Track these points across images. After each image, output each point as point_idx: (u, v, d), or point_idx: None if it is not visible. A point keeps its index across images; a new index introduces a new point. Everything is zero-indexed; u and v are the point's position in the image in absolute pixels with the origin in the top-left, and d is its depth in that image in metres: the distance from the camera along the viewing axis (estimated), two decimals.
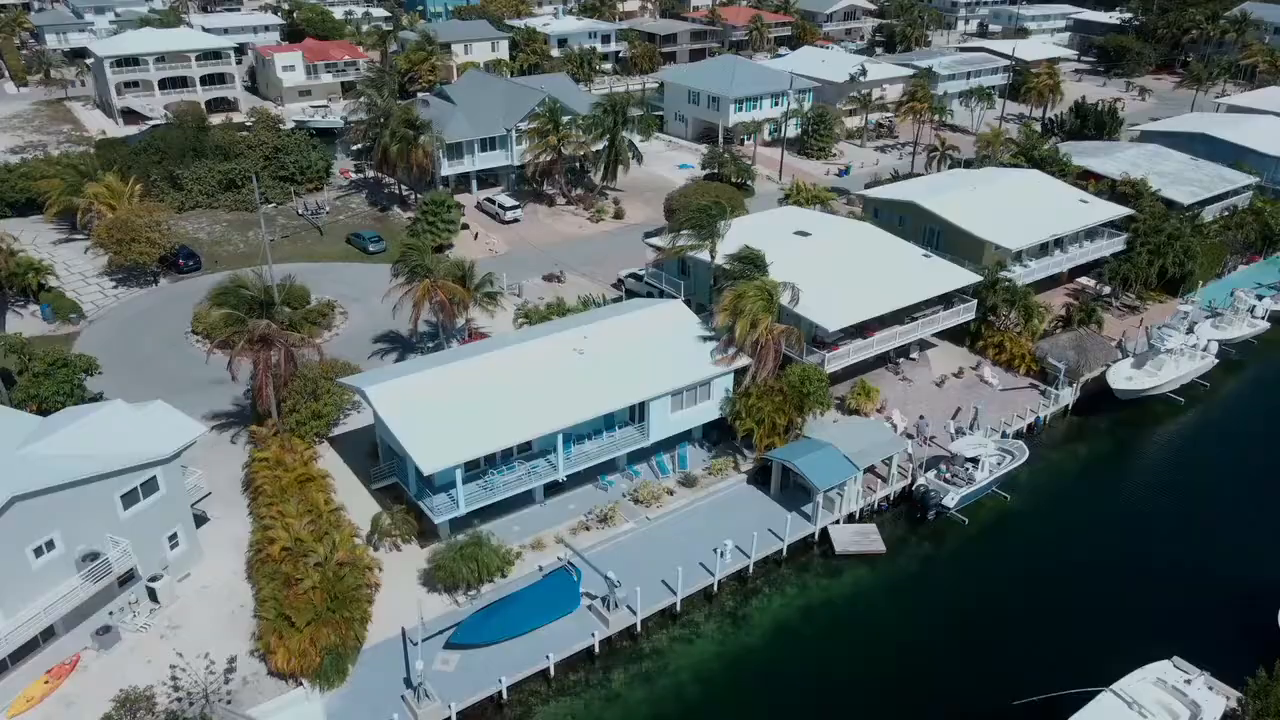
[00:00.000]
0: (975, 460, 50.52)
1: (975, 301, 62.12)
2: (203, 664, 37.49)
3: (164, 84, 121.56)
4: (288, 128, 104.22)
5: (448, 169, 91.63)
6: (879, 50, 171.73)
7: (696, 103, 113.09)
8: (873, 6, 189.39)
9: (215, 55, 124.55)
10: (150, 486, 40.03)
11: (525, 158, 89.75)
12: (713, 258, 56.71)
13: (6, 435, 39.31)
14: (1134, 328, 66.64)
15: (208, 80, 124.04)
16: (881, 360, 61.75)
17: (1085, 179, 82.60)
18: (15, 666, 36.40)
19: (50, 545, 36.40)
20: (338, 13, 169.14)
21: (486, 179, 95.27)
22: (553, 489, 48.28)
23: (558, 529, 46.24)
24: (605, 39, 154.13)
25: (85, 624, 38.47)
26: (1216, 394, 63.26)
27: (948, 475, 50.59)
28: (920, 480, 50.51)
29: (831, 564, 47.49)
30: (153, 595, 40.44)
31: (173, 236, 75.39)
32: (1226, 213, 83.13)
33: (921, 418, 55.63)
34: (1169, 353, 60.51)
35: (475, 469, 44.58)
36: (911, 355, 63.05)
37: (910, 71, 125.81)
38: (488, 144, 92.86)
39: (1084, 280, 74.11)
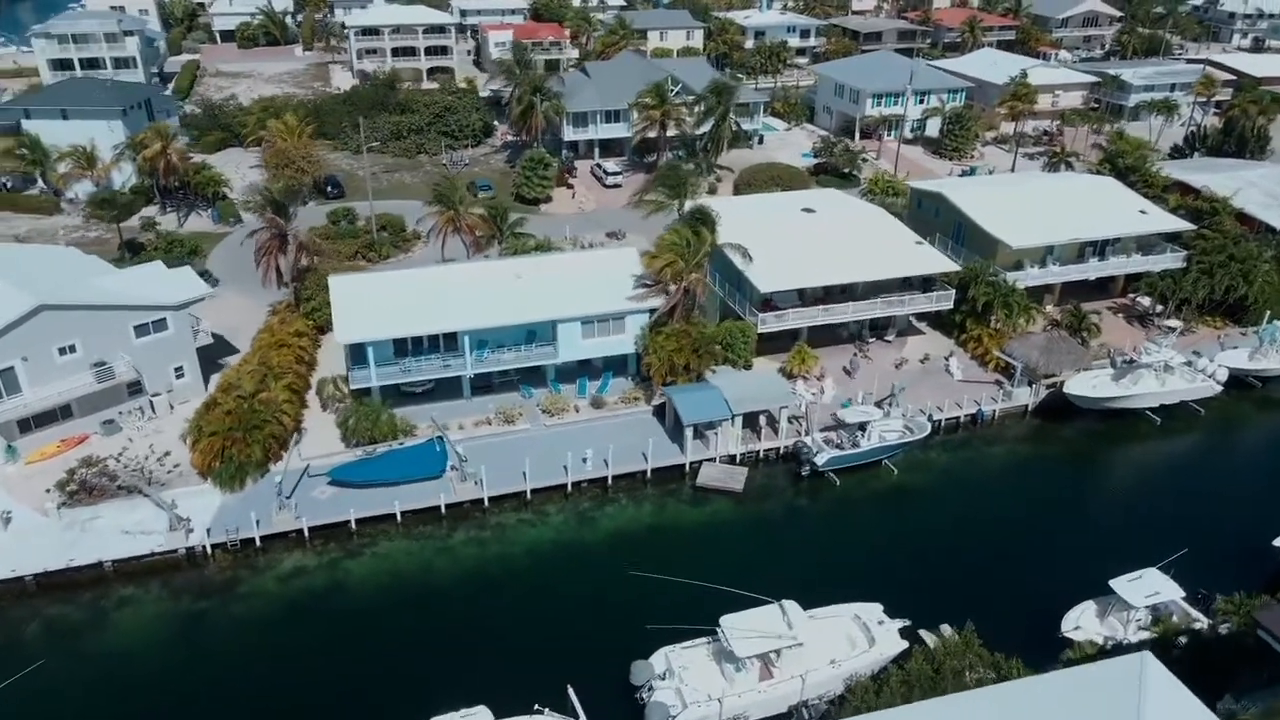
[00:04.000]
0: (863, 427, 52.51)
1: (952, 291, 62.24)
2: (156, 454, 50.29)
3: (395, 52, 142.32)
4: (485, 94, 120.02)
5: (572, 134, 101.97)
6: (1114, 59, 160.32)
7: (841, 96, 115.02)
8: (1117, 13, 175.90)
9: (440, 30, 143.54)
10: (160, 325, 53.56)
11: (631, 130, 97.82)
12: (679, 213, 62.05)
13: (87, 271, 54.60)
14: (1141, 342, 62.98)
15: (431, 51, 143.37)
16: (855, 338, 63.88)
17: (1185, 194, 76.84)
18: (39, 430, 51.08)
19: (72, 349, 50.66)
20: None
21: (612, 147, 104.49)
22: (484, 389, 56.86)
23: (465, 419, 54.70)
24: (805, 34, 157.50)
25: (97, 415, 52.60)
26: (1204, 422, 58.70)
27: (833, 439, 52.98)
28: (803, 438, 53.33)
29: (695, 495, 52.06)
30: (152, 406, 54.03)
31: (324, 167, 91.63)
32: None
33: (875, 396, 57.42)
34: (1150, 368, 57.36)
35: (403, 354, 54.11)
36: (887, 337, 64.41)
37: (1092, 79, 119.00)
38: (611, 116, 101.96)
39: (1136, 294, 70.03)
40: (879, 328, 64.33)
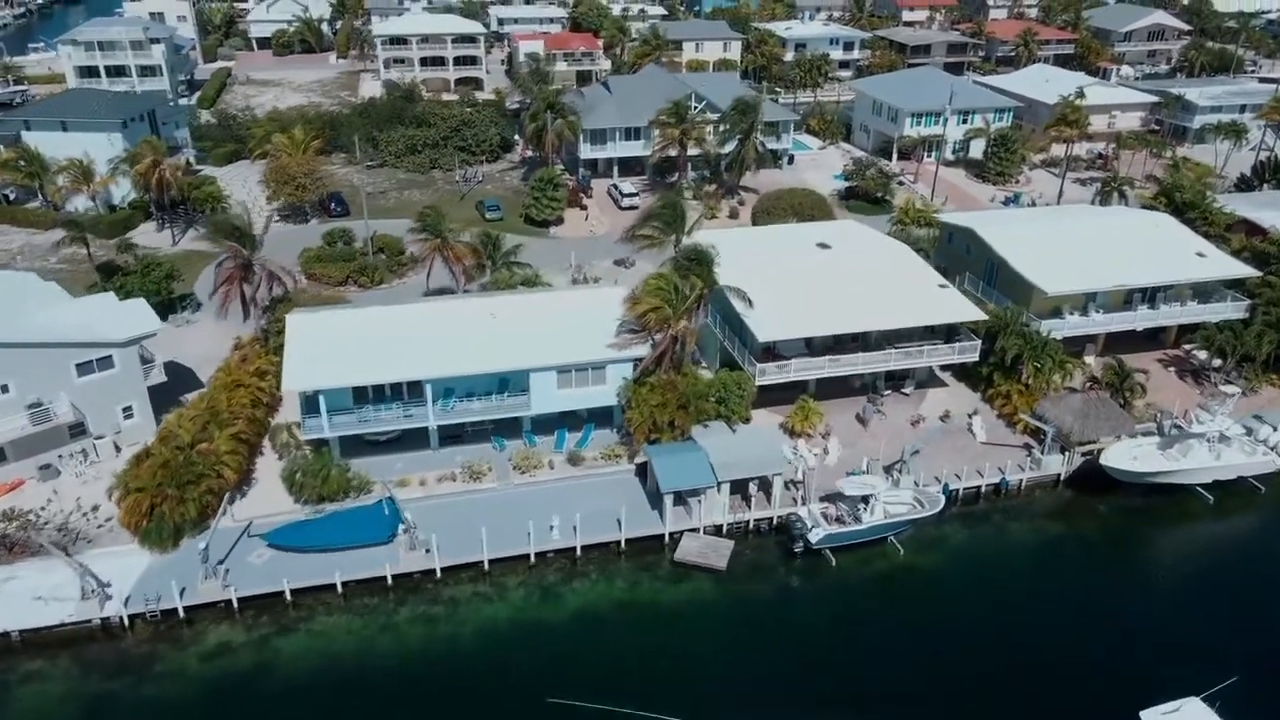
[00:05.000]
0: (867, 500, 46.60)
1: (978, 342, 55.89)
2: (84, 507, 46.37)
3: (424, 62, 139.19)
4: (513, 106, 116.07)
5: (589, 152, 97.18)
6: (1180, 76, 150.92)
7: (879, 114, 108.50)
8: (1185, 26, 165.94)
9: (470, 40, 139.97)
10: (106, 363, 49.73)
11: (649, 149, 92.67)
12: (675, 250, 56.64)
13: (36, 302, 51.09)
14: (1194, 402, 55.94)
15: (460, 61, 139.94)
16: (868, 389, 57.86)
17: (1250, 234, 69.20)
18: None
19: (4, 389, 47.00)
20: (616, 8, 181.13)
21: (633, 166, 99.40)
22: (454, 438, 52.11)
23: (429, 473, 49.95)
24: (848, 46, 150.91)
25: (34, 458, 48.91)
26: (1266, 502, 51.45)
27: (831, 511, 47.16)
28: (798, 510, 47.55)
29: (673, 570, 46.60)
30: (95, 449, 50.21)
31: (327, 184, 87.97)
32: None
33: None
34: (1202, 439, 50.42)
35: (363, 401, 49.56)
36: (904, 389, 58.24)
37: (1152, 99, 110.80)
38: (631, 133, 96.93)
39: (1191, 346, 62.80)
40: (896, 378, 58.18)
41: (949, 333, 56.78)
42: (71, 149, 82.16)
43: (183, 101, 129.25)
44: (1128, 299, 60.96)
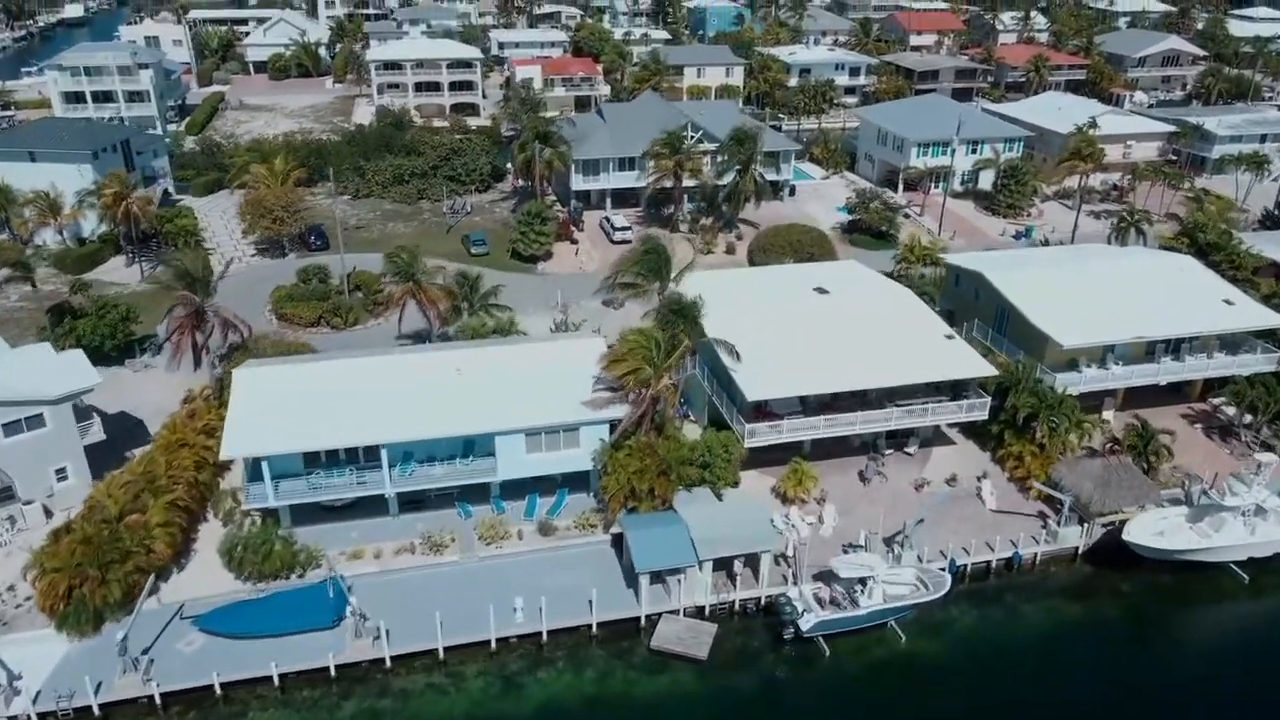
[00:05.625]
0: (864, 583, 42.06)
1: (988, 400, 51.43)
2: (9, 581, 42.19)
3: (418, 87, 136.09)
4: (508, 133, 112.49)
5: (581, 184, 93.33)
6: (1195, 103, 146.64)
7: (884, 143, 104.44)
8: (1199, 51, 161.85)
9: (465, 65, 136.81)
10: (35, 421, 45.73)
11: (643, 180, 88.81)
12: (660, 299, 52.45)
13: None
14: (1224, 463, 51.32)
15: (455, 86, 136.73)
16: (869, 448, 53.42)
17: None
18: None
19: None
20: (618, 33, 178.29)
21: (628, 197, 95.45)
22: (415, 504, 47.82)
23: (386, 544, 45.67)
24: (854, 72, 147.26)
25: None
26: None
27: (825, 593, 42.65)
28: (788, 591, 43.03)
29: (650, 658, 42.09)
30: (23, 516, 46.09)
31: (306, 217, 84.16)
32: None
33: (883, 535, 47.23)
34: (1236, 512, 45.77)
35: (314, 465, 45.36)
36: (908, 448, 53.74)
37: (1169, 129, 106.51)
38: (625, 163, 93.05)
39: (1220, 400, 58.26)
40: (899, 435, 53.69)
41: (956, 388, 52.35)
42: (39, 180, 78.95)
43: (171, 127, 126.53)
44: (1149, 349, 56.42)
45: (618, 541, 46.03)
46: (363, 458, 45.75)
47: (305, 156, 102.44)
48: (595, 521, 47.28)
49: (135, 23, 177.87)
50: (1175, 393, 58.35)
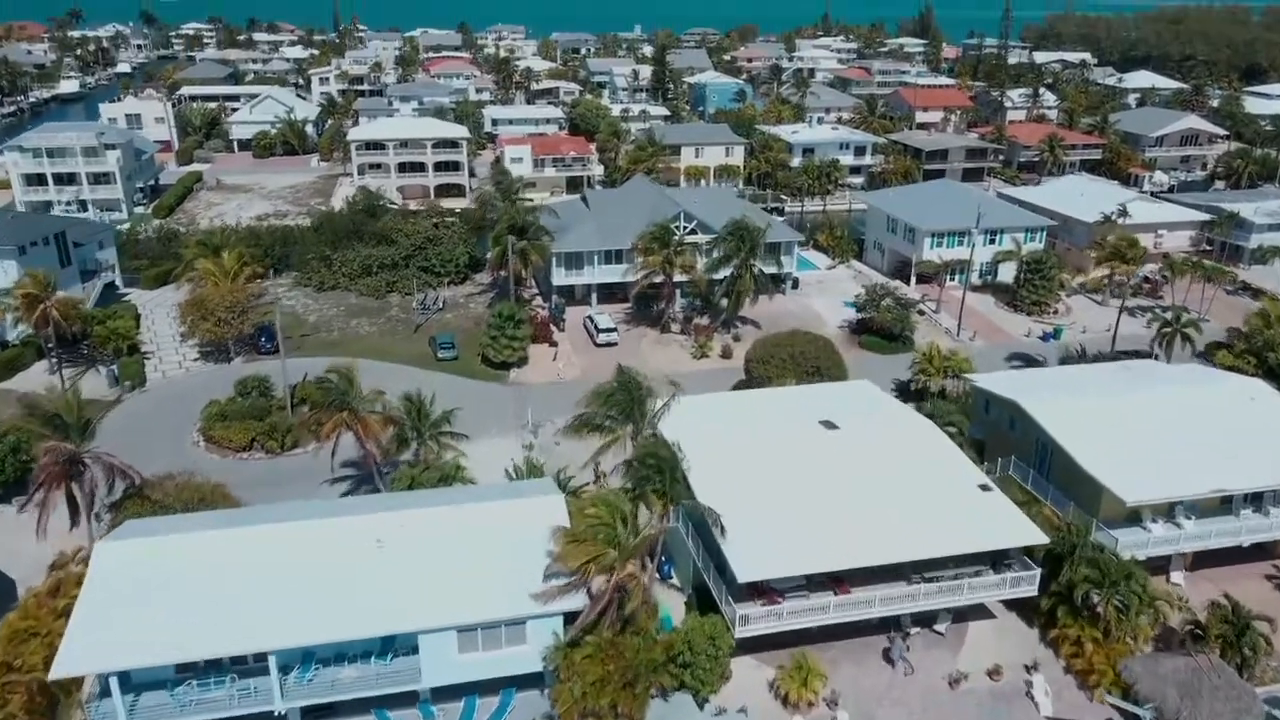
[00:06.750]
0: None
1: (1036, 573, 41.82)
2: None
3: (401, 168, 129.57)
4: (493, 217, 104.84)
5: (563, 278, 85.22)
6: (1220, 184, 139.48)
7: (894, 232, 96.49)
8: (1220, 130, 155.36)
9: (451, 145, 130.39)
10: None
11: (629, 276, 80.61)
12: (632, 446, 43.34)
13: None
14: None
15: (440, 166, 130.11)
16: (890, 627, 43.61)
17: None
18: None
19: None
20: (616, 109, 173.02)
21: (616, 292, 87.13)
22: (320, 716, 37.93)
23: None
24: (860, 151, 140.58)
25: None
26: None
27: None
28: None
29: None
30: None
31: (253, 318, 75.67)
32: None
33: None
34: None
35: (185, 671, 35.78)
36: (937, 626, 43.90)
37: (1203, 217, 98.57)
38: (612, 256, 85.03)
39: None
40: (926, 615, 43.89)
41: (997, 554, 42.76)
42: None
43: (139, 209, 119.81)
44: (1226, 498, 46.93)
45: None
46: (251, 659, 36.14)
47: (270, 245, 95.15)
48: None
49: (118, 100, 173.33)
50: (1259, 551, 48.59)
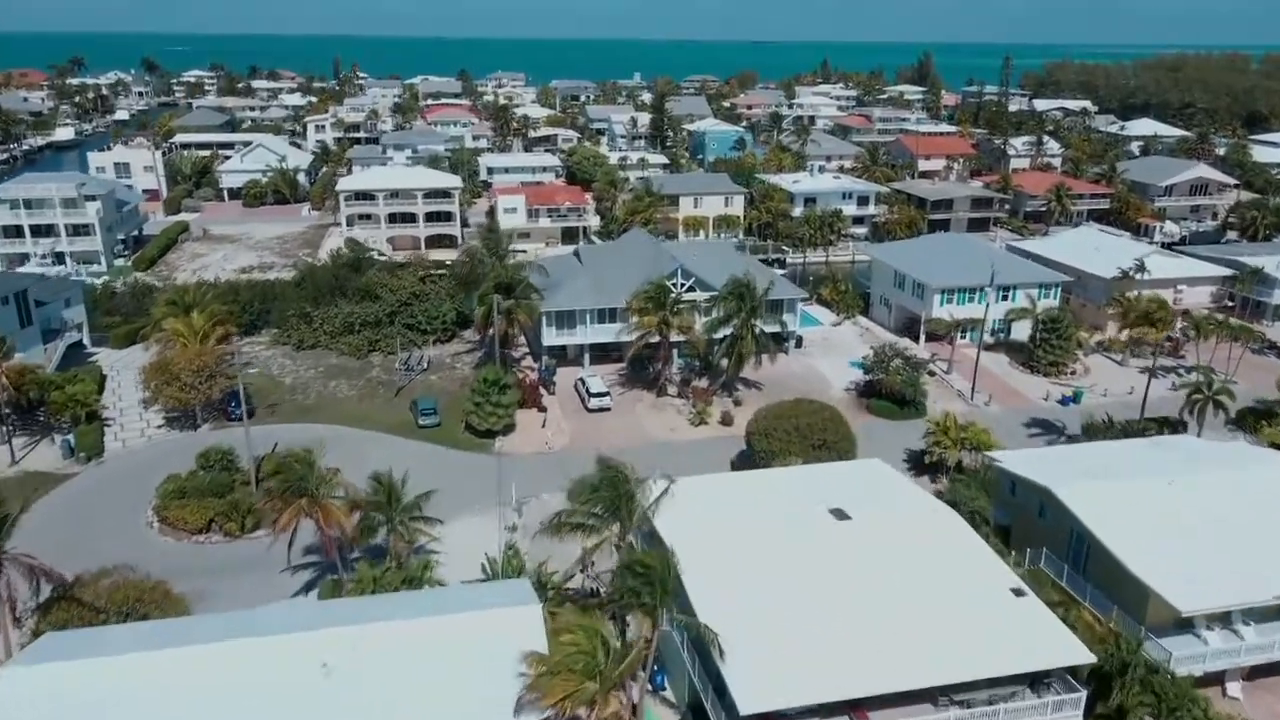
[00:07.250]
0: None
1: (1082, 695, 36.62)
2: None
3: (391, 218, 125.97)
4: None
5: (554, 338, 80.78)
6: (1232, 234, 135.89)
7: (901, 287, 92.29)
8: (1229, 180, 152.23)
9: (443, 195, 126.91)
10: None
11: (624, 336, 76.18)
12: (617, 552, 38.43)
13: None
14: None
15: (432, 217, 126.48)
16: None
17: None
18: None
19: None
20: (614, 157, 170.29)
21: (611, 352, 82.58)
22: None
23: None
24: (862, 200, 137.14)
25: None
26: None
27: None
28: None
29: None
30: None
31: (221, 383, 70.85)
32: None
33: None
34: None
35: None
36: None
37: (1223, 271, 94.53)
38: (605, 314, 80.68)
39: None
40: None
41: (1035, 672, 37.60)
42: None
43: (120, 261, 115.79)
44: None
45: None
46: None
47: (248, 301, 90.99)
48: None
49: (108, 148, 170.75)
50: None
